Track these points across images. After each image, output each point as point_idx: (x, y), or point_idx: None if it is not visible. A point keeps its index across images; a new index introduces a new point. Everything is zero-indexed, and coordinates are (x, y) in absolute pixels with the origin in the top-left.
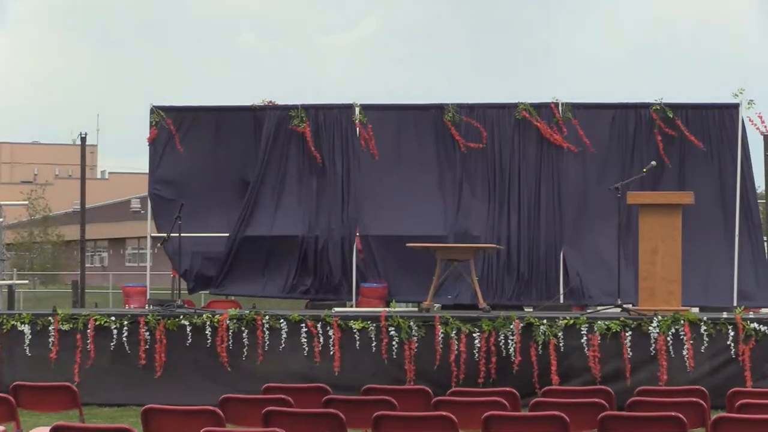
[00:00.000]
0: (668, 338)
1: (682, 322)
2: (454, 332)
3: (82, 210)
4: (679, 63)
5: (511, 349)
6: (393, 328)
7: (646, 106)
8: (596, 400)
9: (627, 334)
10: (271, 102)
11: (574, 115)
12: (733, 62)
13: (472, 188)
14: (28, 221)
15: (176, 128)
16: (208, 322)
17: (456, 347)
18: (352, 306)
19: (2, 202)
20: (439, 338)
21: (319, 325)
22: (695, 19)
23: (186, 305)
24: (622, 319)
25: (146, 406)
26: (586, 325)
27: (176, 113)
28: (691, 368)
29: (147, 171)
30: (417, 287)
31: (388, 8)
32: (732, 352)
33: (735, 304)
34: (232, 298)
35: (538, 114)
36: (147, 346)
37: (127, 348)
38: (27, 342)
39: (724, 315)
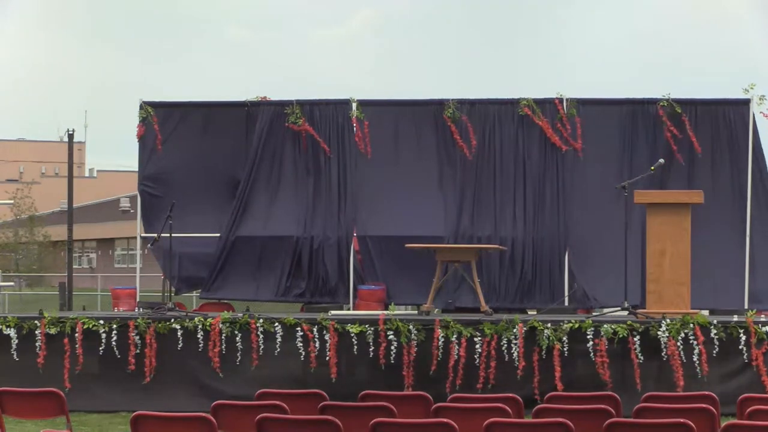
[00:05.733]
0: (678, 342)
1: (691, 325)
2: (454, 336)
3: (69, 209)
4: (688, 58)
5: (514, 354)
6: (392, 332)
7: (653, 101)
8: (602, 406)
9: (634, 338)
10: (264, 97)
11: (578, 112)
12: (745, 57)
13: (474, 187)
14: (14, 221)
15: (166, 125)
16: (200, 326)
17: (456, 352)
18: (349, 309)
19: None
20: (440, 342)
21: (315, 329)
22: (704, 14)
23: (177, 308)
24: (629, 322)
25: (136, 413)
26: (592, 329)
27: (166, 109)
28: (701, 373)
29: (136, 169)
30: (417, 289)
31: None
32: (744, 357)
33: (746, 306)
34: (225, 301)
35: (542, 110)
36: (137, 351)
37: (116, 352)
38: (14, 346)
39: (735, 318)
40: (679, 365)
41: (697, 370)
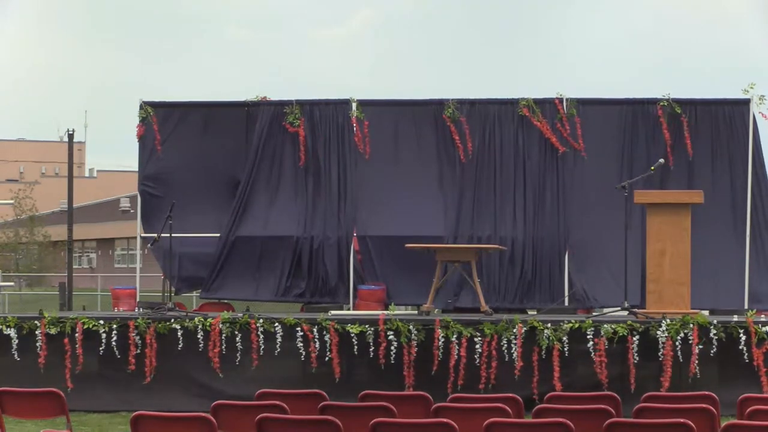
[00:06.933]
0: (677, 342)
1: (691, 325)
2: (455, 336)
3: (69, 209)
4: (688, 58)
5: (514, 354)
6: (392, 332)
7: (653, 101)
8: (602, 406)
9: (634, 338)
10: (264, 97)
11: (578, 112)
12: (745, 57)
13: (474, 187)
14: (14, 221)
15: (166, 125)
16: (200, 326)
17: (456, 352)
18: (349, 309)
19: None
20: (440, 342)
21: (315, 329)
22: (704, 14)
23: (177, 308)
24: (629, 322)
25: (136, 413)
26: (592, 329)
27: (166, 109)
28: (700, 373)
29: (136, 169)
30: (417, 289)
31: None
32: (744, 357)
33: (746, 306)
34: (225, 301)
35: (542, 110)
36: (137, 351)
37: (116, 353)
38: (14, 347)
39: (735, 318)
40: (670, 366)
41: (696, 370)
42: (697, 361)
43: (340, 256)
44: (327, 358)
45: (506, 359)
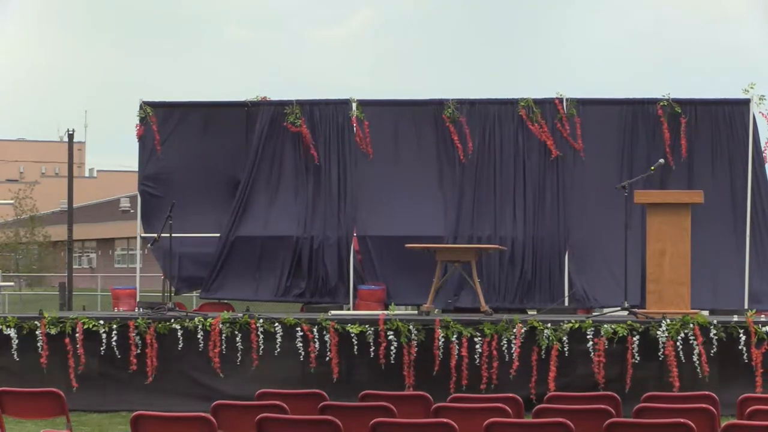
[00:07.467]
0: (677, 342)
1: (691, 325)
2: (455, 336)
3: (69, 209)
4: (688, 58)
5: (514, 354)
6: (392, 332)
7: (653, 101)
8: (602, 406)
9: (634, 338)
10: (264, 97)
11: (578, 112)
12: (745, 57)
13: (474, 187)
14: (14, 221)
15: (166, 125)
16: (200, 326)
17: (457, 352)
18: (349, 309)
19: None
20: (440, 342)
21: (315, 329)
22: (704, 14)
23: (177, 308)
24: (629, 322)
25: (136, 413)
26: (592, 329)
27: (166, 109)
28: (701, 374)
29: (136, 169)
30: (417, 289)
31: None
32: (744, 357)
33: (746, 306)
34: (225, 301)
35: (542, 110)
36: (137, 351)
37: (116, 353)
38: (14, 347)
39: (735, 318)
40: (675, 366)
41: (698, 370)
42: (697, 361)
43: (340, 256)
44: (327, 358)
45: (507, 359)
